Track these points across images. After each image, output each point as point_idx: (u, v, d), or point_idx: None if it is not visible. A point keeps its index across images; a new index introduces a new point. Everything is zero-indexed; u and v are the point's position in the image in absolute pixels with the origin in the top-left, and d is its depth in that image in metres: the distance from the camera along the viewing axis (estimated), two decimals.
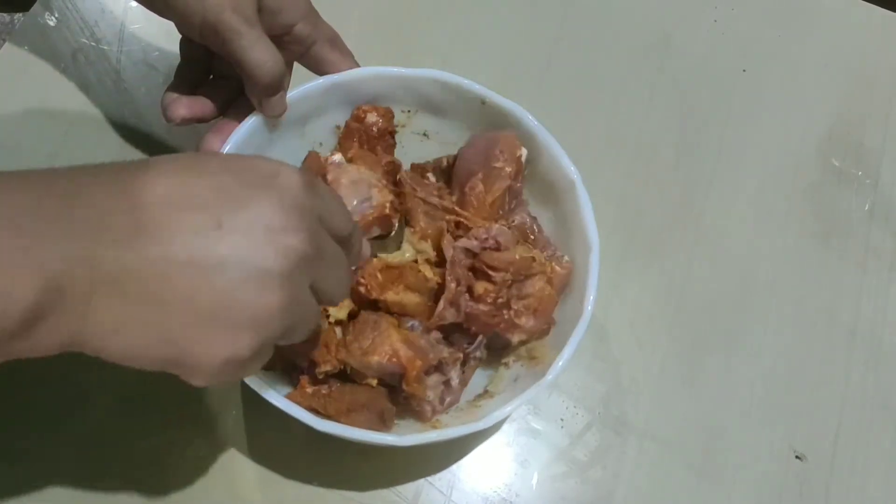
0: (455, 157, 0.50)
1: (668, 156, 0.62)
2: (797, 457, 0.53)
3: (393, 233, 0.47)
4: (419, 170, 0.51)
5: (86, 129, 0.57)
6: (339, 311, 0.43)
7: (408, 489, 0.49)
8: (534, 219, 0.49)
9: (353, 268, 0.43)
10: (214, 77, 0.49)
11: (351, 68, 0.48)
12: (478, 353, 0.46)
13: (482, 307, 0.44)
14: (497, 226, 0.46)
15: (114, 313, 0.28)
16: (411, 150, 0.52)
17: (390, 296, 0.44)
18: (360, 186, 0.45)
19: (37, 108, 0.57)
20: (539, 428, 0.51)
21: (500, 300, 0.44)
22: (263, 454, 0.49)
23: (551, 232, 0.49)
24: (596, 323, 0.54)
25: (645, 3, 0.67)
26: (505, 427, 0.51)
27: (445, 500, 0.49)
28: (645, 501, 0.50)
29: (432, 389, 0.44)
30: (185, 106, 0.46)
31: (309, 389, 0.42)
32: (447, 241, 0.45)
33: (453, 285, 0.44)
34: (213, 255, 0.28)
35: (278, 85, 0.44)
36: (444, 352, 0.44)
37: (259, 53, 0.42)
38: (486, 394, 0.46)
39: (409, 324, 0.44)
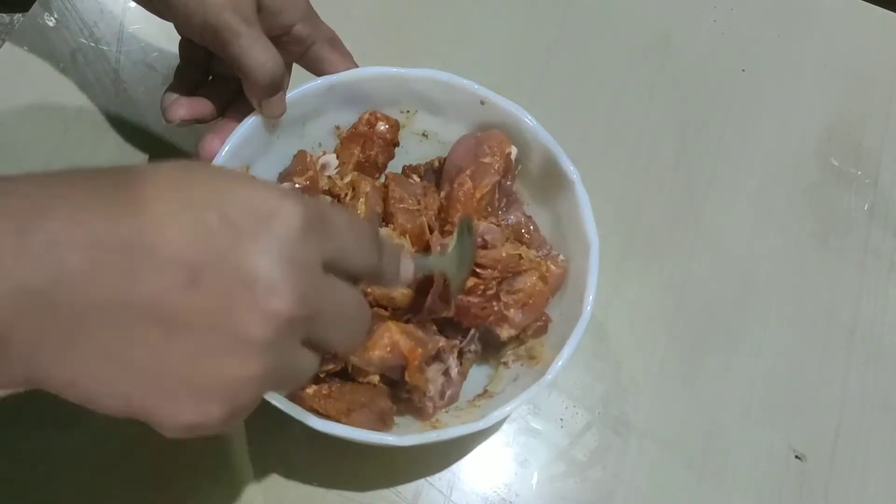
0: (446, 157, 0.50)
1: (667, 155, 0.62)
2: (797, 456, 0.53)
3: (450, 248, 0.46)
4: (411, 171, 0.51)
5: (85, 129, 0.57)
6: None
7: (408, 489, 0.49)
8: (529, 218, 0.49)
9: (392, 291, 0.39)
10: (214, 78, 0.49)
11: (350, 69, 0.47)
12: (472, 347, 0.47)
13: (472, 299, 0.44)
14: (486, 223, 0.46)
15: (65, 364, 0.25)
16: (411, 150, 0.52)
17: (377, 289, 0.44)
18: None
19: (36, 108, 0.57)
20: (539, 428, 0.52)
21: (489, 292, 0.44)
22: (263, 454, 0.49)
23: (551, 231, 0.49)
24: (596, 323, 0.54)
25: (644, 4, 0.67)
26: (505, 427, 0.51)
27: (445, 500, 0.49)
28: (645, 501, 0.51)
29: (433, 381, 0.44)
30: (184, 106, 0.46)
31: (309, 390, 0.42)
32: (434, 238, 0.45)
33: (442, 280, 0.44)
34: (182, 315, 0.24)
35: (277, 85, 0.44)
36: (441, 341, 0.45)
37: (258, 54, 0.42)
38: (485, 394, 0.46)
39: (404, 318, 0.45)
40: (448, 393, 0.45)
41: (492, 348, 0.48)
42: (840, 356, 0.56)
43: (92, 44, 0.60)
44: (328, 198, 0.47)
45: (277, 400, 0.40)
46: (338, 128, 0.50)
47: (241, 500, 0.48)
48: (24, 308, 0.23)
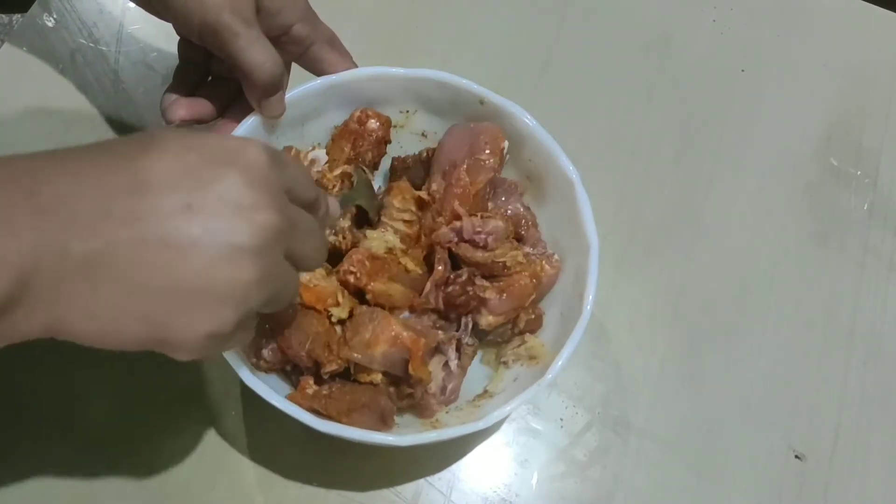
0: (434, 148, 0.50)
1: (667, 155, 0.62)
2: (796, 456, 0.53)
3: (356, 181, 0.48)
4: (400, 162, 0.51)
5: (84, 129, 0.57)
6: (341, 311, 0.44)
7: (407, 489, 0.49)
8: (528, 209, 0.49)
9: (328, 230, 0.45)
10: (213, 78, 0.49)
11: (349, 69, 0.48)
12: (467, 339, 0.47)
13: (450, 288, 0.45)
14: (494, 222, 0.46)
15: (86, 300, 0.28)
16: (410, 149, 0.52)
17: (377, 286, 0.44)
18: None
19: (35, 108, 0.57)
20: (539, 428, 0.52)
21: (460, 279, 0.45)
22: (263, 454, 0.49)
23: (550, 231, 0.49)
24: (595, 323, 0.54)
25: (644, 4, 0.67)
26: (504, 427, 0.51)
27: (445, 500, 0.49)
28: (644, 501, 0.51)
29: (434, 375, 0.44)
30: (184, 107, 0.46)
31: (310, 390, 0.42)
32: (447, 234, 0.46)
33: (440, 268, 0.45)
34: (186, 235, 0.28)
35: (277, 85, 0.44)
36: (440, 334, 0.45)
37: (257, 54, 0.42)
38: (485, 394, 0.46)
39: (401, 315, 0.45)
40: (449, 387, 0.45)
41: (492, 347, 0.49)
42: (840, 356, 0.56)
43: (91, 44, 0.60)
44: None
45: (278, 401, 0.40)
46: (336, 128, 0.50)
47: (240, 499, 0.48)
48: (43, 257, 0.27)
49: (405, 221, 0.47)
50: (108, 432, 0.48)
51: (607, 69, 0.64)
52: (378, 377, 0.43)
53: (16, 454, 0.47)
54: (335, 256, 0.46)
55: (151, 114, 0.57)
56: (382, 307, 0.45)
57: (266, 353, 0.43)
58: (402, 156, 0.52)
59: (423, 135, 0.52)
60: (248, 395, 0.46)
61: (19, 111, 0.57)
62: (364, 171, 0.49)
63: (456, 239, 0.46)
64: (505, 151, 0.48)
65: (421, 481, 0.49)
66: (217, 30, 0.41)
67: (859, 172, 0.63)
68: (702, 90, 0.64)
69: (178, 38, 0.47)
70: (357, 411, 0.42)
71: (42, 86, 0.58)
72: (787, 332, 0.56)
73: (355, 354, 0.42)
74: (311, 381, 0.43)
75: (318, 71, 0.48)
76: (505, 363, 0.47)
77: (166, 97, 0.46)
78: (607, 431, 0.52)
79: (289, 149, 0.48)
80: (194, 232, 0.29)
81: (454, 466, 0.50)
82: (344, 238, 0.47)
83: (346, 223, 0.47)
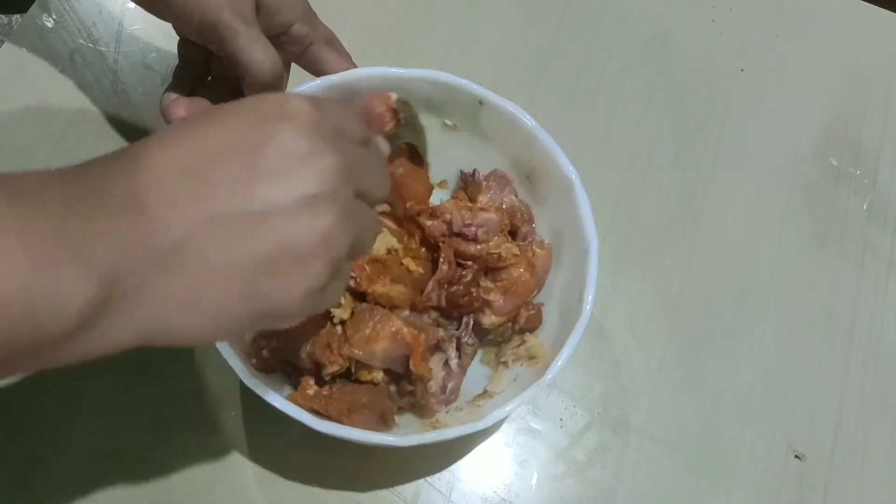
0: None
1: (666, 155, 0.62)
2: (796, 456, 0.53)
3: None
4: None
5: (83, 130, 0.57)
6: (343, 312, 0.44)
7: (407, 489, 0.49)
8: (522, 201, 0.50)
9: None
10: (213, 78, 0.49)
11: (348, 69, 0.47)
12: (468, 339, 0.47)
13: (453, 288, 0.45)
14: (485, 214, 0.46)
15: (179, 291, 0.28)
16: None
17: (378, 288, 0.44)
18: None
19: (34, 109, 0.57)
20: (538, 428, 0.52)
21: (465, 279, 0.45)
22: (263, 455, 0.49)
23: (550, 231, 0.49)
24: (595, 322, 0.54)
25: (643, 3, 0.67)
26: (504, 427, 0.51)
27: (445, 501, 0.49)
28: (644, 501, 0.51)
29: (434, 373, 0.45)
30: (183, 107, 0.46)
31: (310, 391, 0.42)
32: (438, 226, 0.47)
33: (445, 267, 0.45)
34: (259, 200, 0.28)
35: (276, 85, 0.44)
36: (440, 332, 0.45)
37: (257, 53, 0.42)
38: (485, 394, 0.46)
39: (401, 313, 0.45)
40: (449, 386, 0.45)
41: (491, 347, 0.49)
42: (839, 355, 0.56)
43: (90, 45, 0.60)
44: None
45: (279, 402, 0.40)
46: None
47: (240, 500, 0.48)
48: (127, 255, 0.26)
49: (384, 213, 0.48)
50: (109, 433, 0.48)
51: (606, 69, 0.64)
52: (379, 375, 0.43)
53: (16, 455, 0.47)
54: None
55: (151, 114, 0.57)
56: (383, 307, 0.45)
57: (266, 353, 0.43)
58: None
59: None
60: (248, 395, 0.46)
61: (18, 111, 0.57)
62: (411, 106, 0.48)
63: (447, 232, 0.46)
64: (394, 102, 0.47)
65: (421, 481, 0.49)
66: (217, 28, 0.41)
67: (858, 172, 0.63)
68: (701, 90, 0.64)
69: (177, 38, 0.47)
70: (357, 412, 0.42)
71: (41, 86, 0.58)
72: (787, 332, 0.56)
73: (356, 351, 0.42)
74: (312, 382, 0.43)
75: (317, 71, 0.48)
76: (504, 363, 0.47)
77: (166, 97, 0.46)
78: (607, 431, 0.52)
79: None
80: (266, 194, 0.28)
81: (454, 466, 0.50)
82: None
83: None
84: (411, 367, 0.42)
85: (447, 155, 0.51)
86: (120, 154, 0.29)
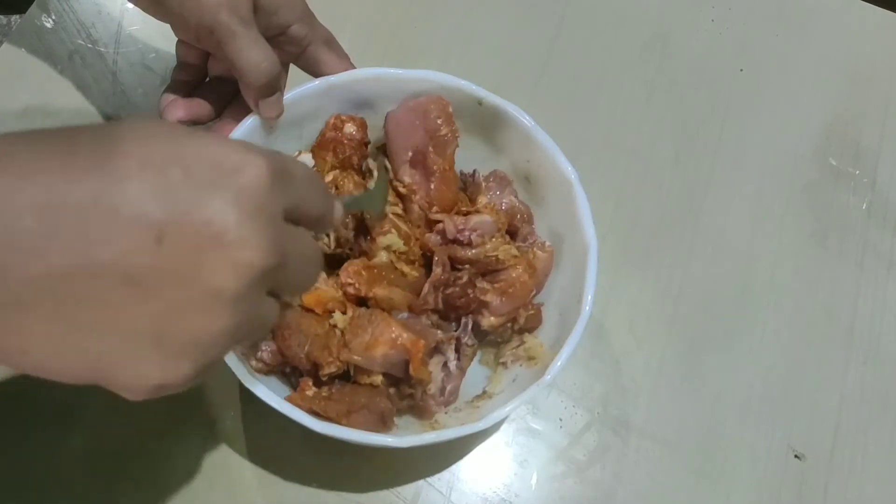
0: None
1: (665, 155, 0.62)
2: (796, 456, 0.53)
3: (372, 185, 0.47)
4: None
5: None
6: (343, 319, 0.44)
7: (407, 490, 0.49)
8: (522, 201, 0.50)
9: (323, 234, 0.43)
10: (211, 79, 0.49)
11: (347, 69, 0.47)
12: (467, 340, 0.47)
13: (449, 290, 0.45)
14: (478, 217, 0.46)
15: (20, 331, 0.24)
16: None
17: (379, 291, 0.44)
18: None
19: (33, 109, 0.57)
20: (538, 428, 0.51)
21: (460, 281, 0.45)
22: (262, 455, 0.49)
23: (549, 231, 0.49)
24: (594, 323, 0.54)
25: (643, 3, 0.67)
26: (504, 427, 0.51)
27: (444, 501, 0.49)
28: (644, 501, 0.51)
29: (434, 376, 0.44)
30: (182, 108, 0.46)
31: (309, 392, 0.42)
32: (433, 238, 0.47)
33: (439, 270, 0.45)
34: (150, 274, 0.24)
35: (274, 86, 0.44)
36: (439, 334, 0.45)
37: (255, 54, 0.42)
38: (484, 394, 0.46)
39: (399, 316, 0.45)
40: (448, 388, 0.45)
41: (490, 348, 0.49)
42: (839, 355, 0.56)
43: (89, 45, 0.60)
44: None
45: (278, 403, 0.40)
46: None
47: (240, 500, 0.48)
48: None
49: (396, 215, 0.47)
50: (108, 433, 0.48)
51: (606, 69, 0.64)
52: (378, 379, 0.43)
53: (15, 456, 0.47)
54: (338, 262, 0.46)
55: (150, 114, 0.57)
56: (383, 309, 0.45)
57: (265, 354, 0.43)
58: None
59: None
60: (247, 396, 0.46)
61: (17, 112, 0.57)
62: (387, 169, 0.47)
63: (441, 241, 0.46)
64: (451, 112, 0.47)
65: (420, 482, 0.49)
66: (214, 29, 0.41)
67: (858, 172, 0.63)
68: (700, 90, 0.64)
69: (176, 38, 0.47)
70: (356, 413, 0.42)
71: (40, 87, 0.58)
72: (786, 332, 0.56)
73: (355, 357, 0.42)
74: (311, 383, 0.43)
75: (315, 72, 0.48)
76: (504, 364, 0.47)
77: (164, 97, 0.46)
78: (607, 431, 0.52)
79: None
80: (161, 268, 0.24)
81: (454, 467, 0.50)
82: (351, 250, 0.46)
83: (349, 233, 0.46)
84: (411, 371, 0.42)
85: None
86: (21, 158, 0.24)
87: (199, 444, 0.49)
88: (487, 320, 0.46)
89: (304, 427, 0.40)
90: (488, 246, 0.46)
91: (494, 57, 0.64)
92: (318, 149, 0.49)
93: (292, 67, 0.49)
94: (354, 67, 0.48)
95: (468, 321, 0.47)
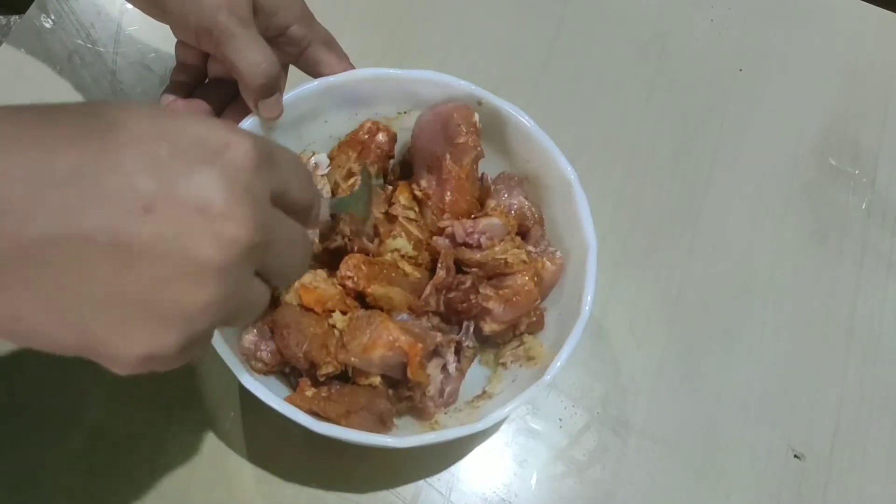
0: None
1: (665, 155, 0.62)
2: (796, 456, 0.53)
3: (356, 187, 0.47)
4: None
5: None
6: (343, 320, 0.44)
7: (407, 490, 0.49)
8: (531, 203, 0.49)
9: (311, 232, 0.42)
10: (210, 79, 0.49)
11: (346, 70, 0.47)
12: (468, 342, 0.47)
13: (451, 294, 0.45)
14: (486, 220, 0.46)
15: (12, 300, 0.24)
16: None
17: (377, 289, 0.44)
18: None
19: None
20: (538, 428, 0.52)
21: (463, 286, 0.45)
22: (262, 456, 0.49)
23: (549, 231, 0.49)
24: (594, 323, 0.54)
25: (642, 3, 0.67)
26: (504, 427, 0.51)
27: (444, 501, 0.49)
28: (644, 501, 0.51)
29: (432, 378, 0.44)
30: (181, 108, 0.46)
31: (308, 392, 0.42)
32: (441, 241, 0.46)
33: (442, 272, 0.45)
34: (137, 242, 0.24)
35: (273, 86, 0.44)
36: (438, 336, 0.45)
37: (254, 55, 0.42)
38: (484, 395, 0.46)
39: (399, 317, 0.45)
40: (447, 389, 0.45)
41: (490, 348, 0.49)
42: (838, 355, 0.56)
43: (89, 45, 0.60)
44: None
45: (277, 403, 0.40)
46: (346, 136, 0.50)
47: (239, 500, 0.48)
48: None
49: (408, 219, 0.47)
50: (107, 434, 0.48)
51: (605, 69, 0.64)
52: (377, 380, 0.43)
53: (14, 456, 0.47)
54: (339, 256, 0.46)
55: None
56: (382, 309, 0.45)
57: (264, 354, 0.43)
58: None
59: None
60: (246, 396, 0.46)
61: None
62: (370, 175, 0.48)
63: (450, 245, 0.46)
64: (478, 124, 0.48)
65: (420, 482, 0.49)
66: (213, 30, 0.41)
67: (857, 172, 0.63)
68: (700, 89, 0.64)
69: (175, 39, 0.47)
70: (356, 413, 0.42)
71: (39, 87, 0.58)
72: (786, 332, 0.56)
73: (353, 358, 0.42)
74: (310, 384, 0.43)
75: (315, 72, 0.48)
76: (503, 364, 0.47)
77: (164, 98, 0.46)
78: (606, 431, 0.52)
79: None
80: (148, 237, 0.24)
81: (453, 467, 0.50)
82: (350, 240, 0.46)
83: (345, 228, 0.46)
84: (409, 374, 0.42)
85: None
86: (9, 134, 0.24)
87: (199, 444, 0.49)
88: (489, 326, 0.46)
89: (304, 427, 0.40)
90: (497, 249, 0.46)
91: (494, 57, 0.64)
92: (344, 146, 0.49)
93: (292, 68, 0.49)
94: (354, 68, 0.48)
95: (470, 325, 0.46)
